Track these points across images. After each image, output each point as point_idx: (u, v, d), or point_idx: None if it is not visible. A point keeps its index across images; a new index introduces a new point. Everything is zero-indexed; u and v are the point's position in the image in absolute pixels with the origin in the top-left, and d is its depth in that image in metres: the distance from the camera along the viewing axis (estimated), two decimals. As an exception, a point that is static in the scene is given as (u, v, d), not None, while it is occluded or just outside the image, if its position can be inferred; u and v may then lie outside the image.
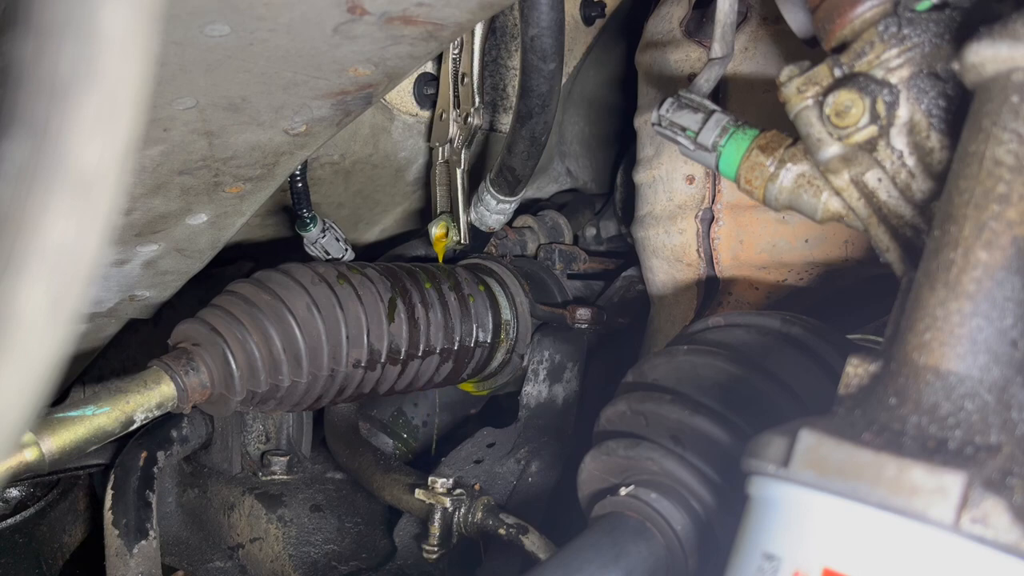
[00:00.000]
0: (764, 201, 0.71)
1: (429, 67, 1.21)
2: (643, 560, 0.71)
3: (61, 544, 1.40)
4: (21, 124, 0.30)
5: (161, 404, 0.81)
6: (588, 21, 1.32)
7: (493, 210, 1.17)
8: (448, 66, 1.18)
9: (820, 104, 0.65)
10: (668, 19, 1.06)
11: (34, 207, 0.31)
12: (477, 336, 1.09)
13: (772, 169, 0.70)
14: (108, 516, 1.05)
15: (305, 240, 1.19)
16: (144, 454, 1.09)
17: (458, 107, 1.18)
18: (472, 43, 1.14)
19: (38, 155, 0.30)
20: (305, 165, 1.13)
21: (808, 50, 0.87)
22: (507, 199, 1.15)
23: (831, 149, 0.65)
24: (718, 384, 0.76)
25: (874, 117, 0.62)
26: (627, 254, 1.27)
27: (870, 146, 0.64)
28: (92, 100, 0.31)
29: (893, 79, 0.63)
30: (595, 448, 0.80)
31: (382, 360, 0.96)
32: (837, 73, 0.65)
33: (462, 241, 1.19)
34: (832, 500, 0.50)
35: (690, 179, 1.01)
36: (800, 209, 0.70)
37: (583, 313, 1.14)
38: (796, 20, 0.80)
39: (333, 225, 1.21)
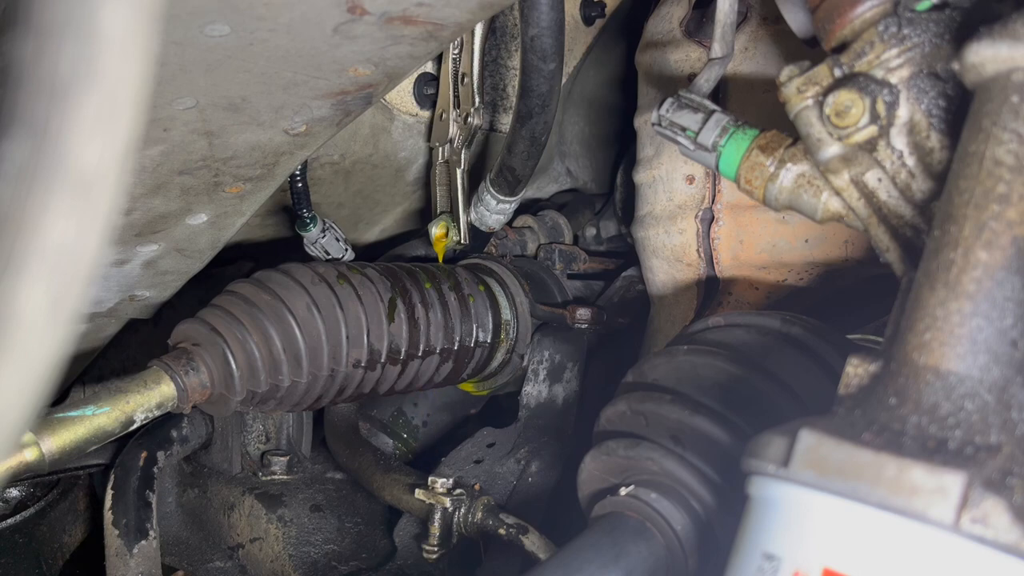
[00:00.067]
0: (764, 201, 0.71)
1: (429, 67, 1.21)
2: (643, 560, 0.71)
3: (61, 544, 1.40)
4: (21, 124, 0.30)
5: (161, 404, 0.81)
6: (588, 21, 1.32)
7: (493, 210, 1.16)
8: (448, 66, 1.17)
9: (820, 104, 0.65)
10: (668, 19, 1.06)
11: (34, 207, 0.31)
12: (477, 336, 1.09)
13: (772, 169, 0.70)
14: (108, 516, 1.05)
15: (305, 240, 1.19)
16: (144, 454, 1.09)
17: (458, 107, 1.18)
18: (472, 43, 1.14)
19: (38, 155, 0.30)
20: (305, 165, 1.13)
21: (808, 50, 0.87)
22: (507, 199, 1.15)
23: (831, 149, 0.65)
24: (718, 384, 0.75)
25: (874, 117, 0.62)
26: (627, 254, 1.27)
27: (870, 146, 0.64)
28: (92, 100, 0.31)
29: (893, 79, 0.62)
30: (595, 448, 0.80)
31: (382, 360, 0.96)
32: (837, 73, 0.65)
33: (462, 241, 1.19)
34: (832, 500, 0.50)
35: (690, 179, 1.01)
36: (800, 209, 0.70)
37: (583, 313, 1.14)
38: (796, 20, 0.80)
39: (333, 225, 1.21)
